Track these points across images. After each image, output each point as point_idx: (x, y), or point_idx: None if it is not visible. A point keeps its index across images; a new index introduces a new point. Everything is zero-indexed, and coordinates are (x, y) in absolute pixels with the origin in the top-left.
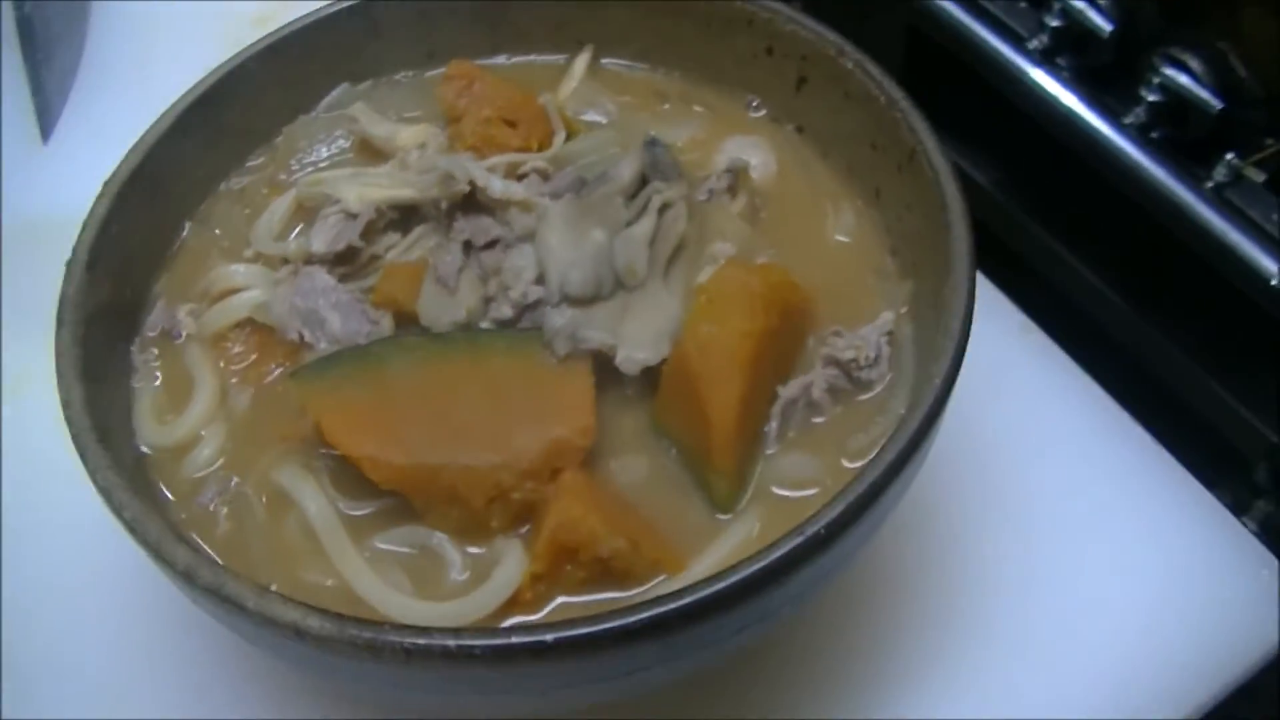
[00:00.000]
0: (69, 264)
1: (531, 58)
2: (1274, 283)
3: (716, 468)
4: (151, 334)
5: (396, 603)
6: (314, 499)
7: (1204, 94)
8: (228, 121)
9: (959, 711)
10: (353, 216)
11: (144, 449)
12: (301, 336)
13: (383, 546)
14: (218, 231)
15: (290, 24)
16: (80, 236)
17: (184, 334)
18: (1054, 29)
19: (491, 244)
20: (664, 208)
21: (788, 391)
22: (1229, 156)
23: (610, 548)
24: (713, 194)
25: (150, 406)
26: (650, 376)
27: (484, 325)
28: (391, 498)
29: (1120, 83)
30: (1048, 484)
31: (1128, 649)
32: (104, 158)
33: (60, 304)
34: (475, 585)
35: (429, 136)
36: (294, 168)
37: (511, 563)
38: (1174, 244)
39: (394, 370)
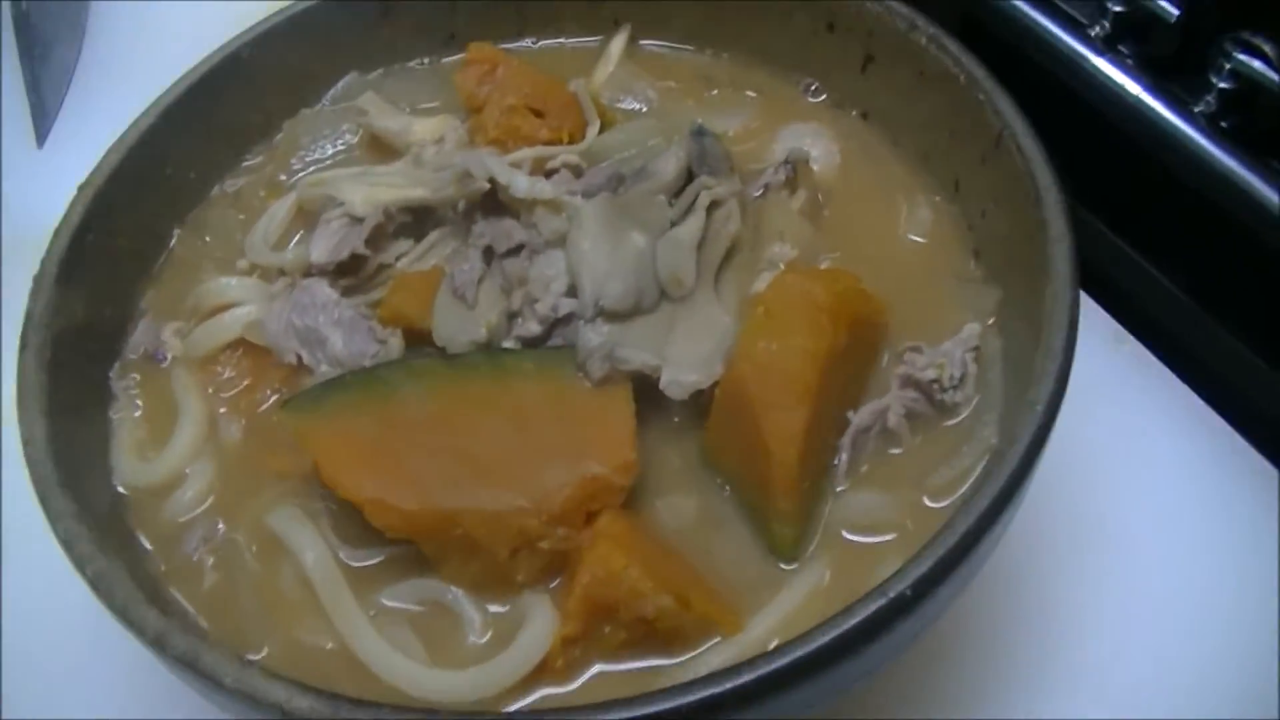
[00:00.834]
0: (36, 278)
1: (562, 40)
2: None
3: (778, 509)
4: (133, 356)
5: (404, 670)
6: (312, 547)
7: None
8: (221, 117)
9: None
10: (358, 221)
11: (121, 489)
12: (299, 358)
13: (390, 603)
14: (209, 239)
15: (291, 6)
16: (50, 247)
17: (169, 356)
18: (1116, 15)
19: (516, 250)
20: (713, 206)
21: (859, 418)
22: None
23: (655, 606)
24: (768, 190)
25: (129, 440)
26: (700, 402)
27: (507, 344)
28: (401, 546)
29: (1187, 70)
30: (1149, 515)
31: (1248, 697)
32: None
33: (25, 324)
34: (497, 649)
35: (447, 129)
36: (295, 167)
37: (539, 623)
38: (1249, 241)
39: (403, 398)
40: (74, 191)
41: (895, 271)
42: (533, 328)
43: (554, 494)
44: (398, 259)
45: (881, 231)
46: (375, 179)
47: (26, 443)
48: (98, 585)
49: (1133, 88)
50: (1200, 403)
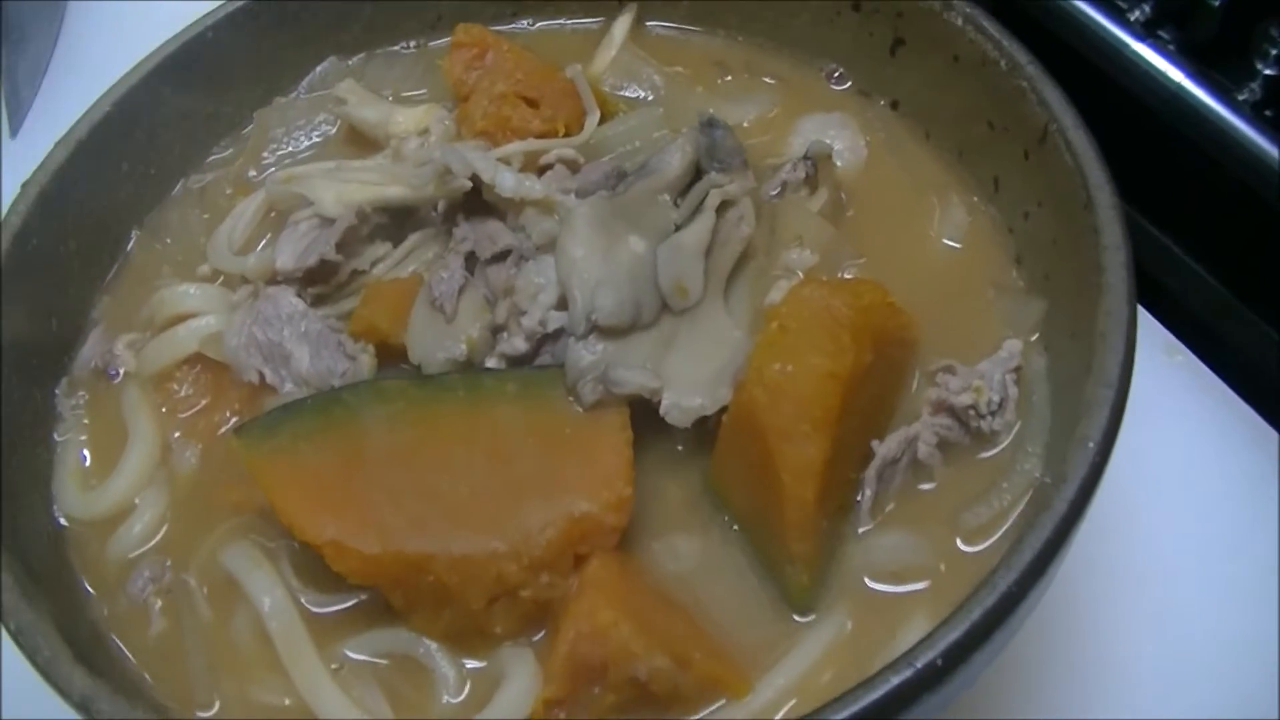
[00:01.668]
0: None
1: (561, 22)
2: None
3: (792, 552)
4: (82, 372)
5: None
6: (269, 591)
7: None
8: (185, 106)
9: None
10: (329, 222)
11: (62, 520)
12: (262, 377)
13: (355, 655)
14: (170, 242)
15: None
16: None
17: (121, 372)
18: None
19: (501, 256)
20: (724, 206)
21: (885, 449)
22: None
23: (648, 666)
24: (786, 188)
25: (74, 466)
26: (705, 429)
27: (490, 363)
28: (368, 591)
29: (1230, 56)
30: (1207, 545)
31: None
32: None
33: None
34: (473, 711)
35: (433, 120)
36: (267, 162)
37: (520, 682)
38: None
39: (368, 426)
40: (17, 190)
41: (926, 281)
42: (518, 344)
43: (536, 536)
44: (373, 265)
45: (911, 235)
46: (349, 175)
47: None
48: (21, 640)
49: (1174, 75)
50: (1260, 419)
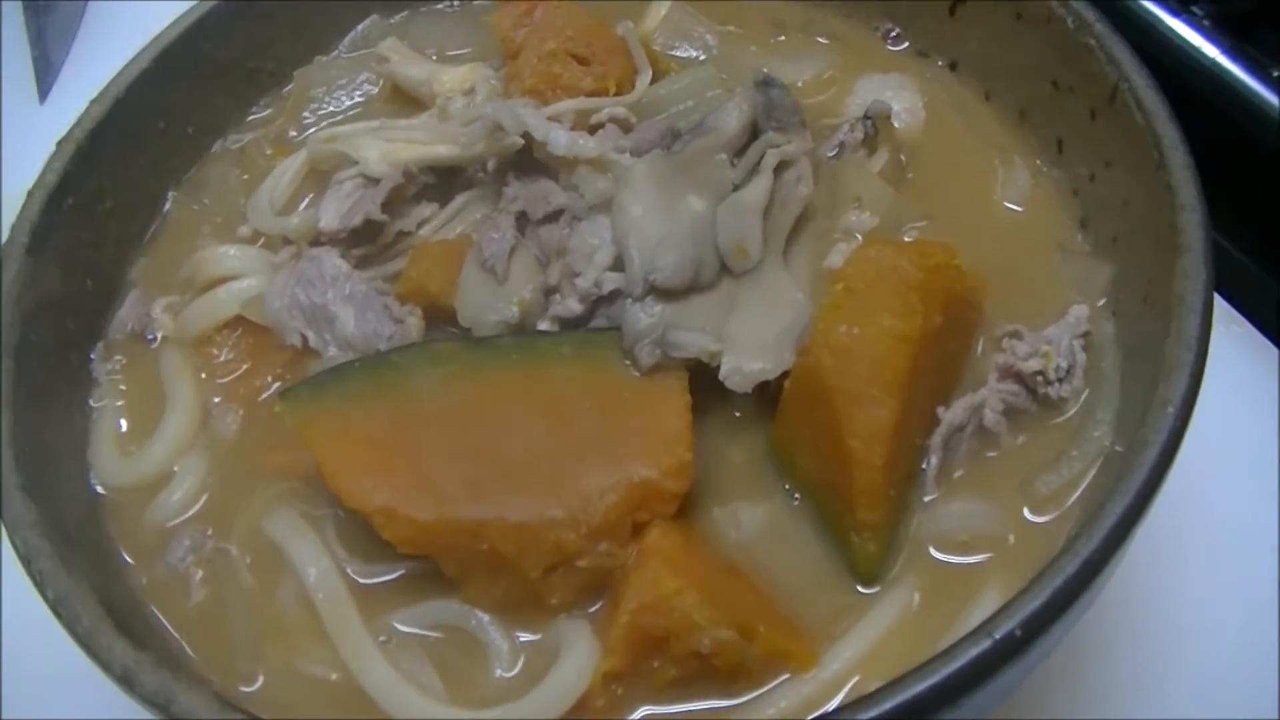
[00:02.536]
0: (5, 246)
1: None
2: None
3: (859, 520)
4: (119, 336)
5: (420, 707)
6: (315, 561)
7: None
8: (224, 63)
9: None
10: (373, 182)
11: (99, 489)
12: (305, 340)
13: (404, 628)
14: (208, 202)
15: None
16: (21, 211)
17: (159, 335)
18: None
19: (554, 216)
20: (781, 167)
21: (952, 415)
22: None
23: (713, 638)
24: (844, 148)
25: (110, 432)
26: (767, 394)
27: (542, 325)
28: (418, 562)
29: (1266, 31)
30: (1268, 517)
31: None
32: None
33: None
34: (528, 685)
35: (478, 79)
36: (307, 121)
37: (578, 655)
38: None
39: (420, 388)
40: (52, 148)
41: (989, 244)
42: (572, 306)
43: (594, 502)
44: (419, 226)
45: (973, 198)
46: (395, 134)
47: None
48: (59, 609)
49: (1209, 50)
50: None
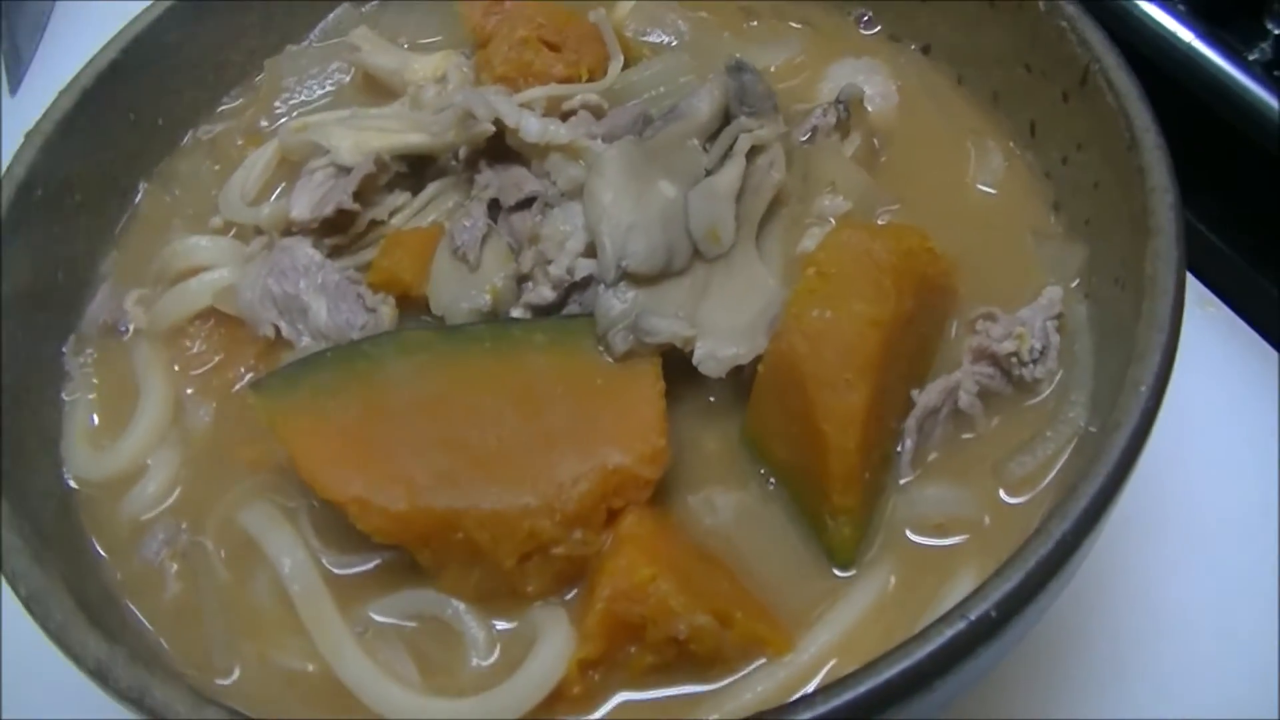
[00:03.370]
0: None
1: None
2: None
3: (834, 504)
4: (91, 329)
5: (397, 698)
6: (290, 552)
7: None
8: (195, 54)
9: None
10: (345, 171)
11: (72, 483)
12: (278, 330)
13: (381, 618)
14: (179, 194)
15: None
16: None
17: (131, 328)
18: None
19: (526, 203)
20: (754, 152)
21: (926, 398)
22: None
23: (689, 624)
24: (817, 133)
25: (83, 426)
26: (741, 379)
27: (515, 313)
28: (394, 552)
29: (1241, 16)
30: (1242, 498)
31: None
32: None
33: None
34: (504, 673)
35: (450, 67)
36: (279, 111)
37: (554, 643)
38: None
39: (393, 378)
40: (20, 140)
41: (963, 227)
42: (545, 293)
43: (568, 490)
44: (392, 215)
45: (946, 181)
46: (366, 123)
47: None
48: (32, 605)
49: (1185, 35)
50: None
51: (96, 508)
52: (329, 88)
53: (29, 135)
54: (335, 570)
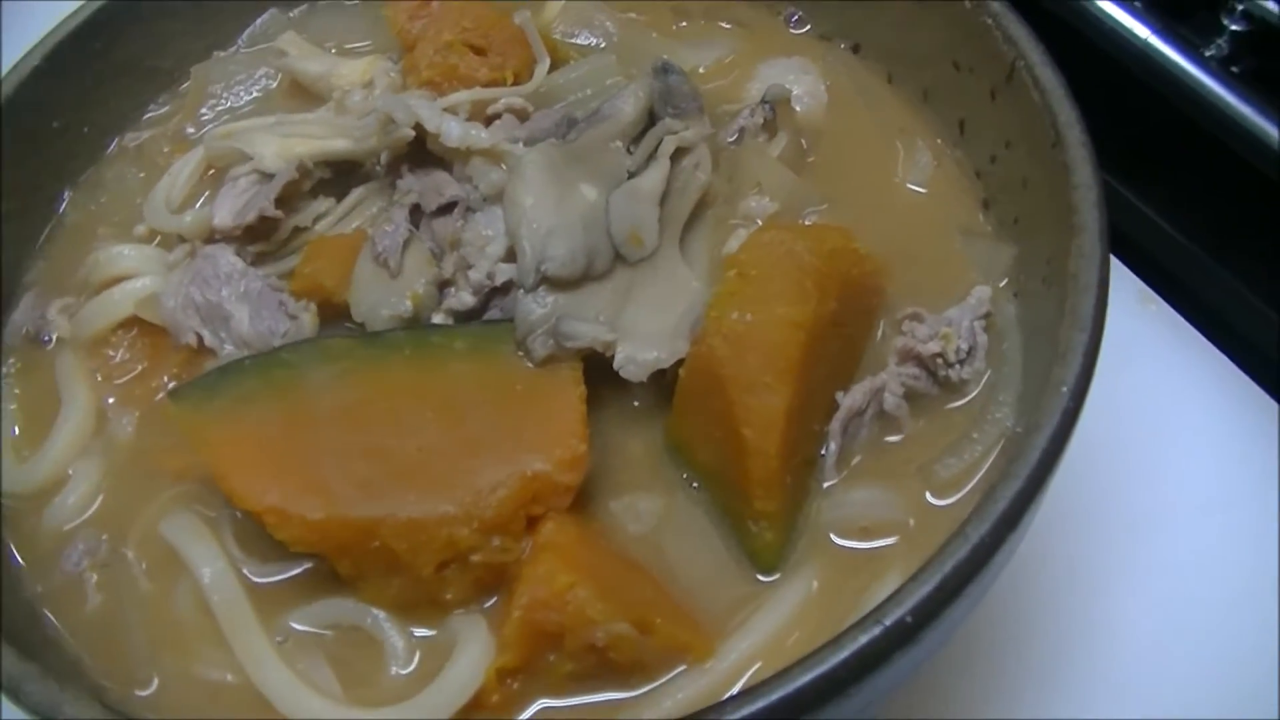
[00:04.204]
0: None
1: None
2: None
3: (756, 509)
4: (14, 340)
5: (316, 707)
6: (210, 562)
7: None
8: (120, 61)
9: None
10: (269, 177)
11: None
12: (200, 339)
13: (301, 627)
14: (105, 202)
15: None
16: None
17: (54, 337)
18: None
19: (448, 208)
20: (679, 153)
21: (851, 400)
22: None
23: (608, 632)
24: (744, 133)
25: (4, 437)
26: (664, 383)
27: (436, 319)
28: (313, 561)
29: (1198, 12)
30: (1187, 496)
31: None
32: None
33: None
34: (423, 682)
35: (377, 72)
36: (205, 118)
37: (472, 651)
38: (1266, 189)
39: (311, 386)
40: None
41: (892, 227)
42: (466, 298)
43: (487, 497)
44: (316, 221)
45: (875, 181)
46: (291, 129)
47: None
48: None
49: (1141, 31)
50: (1233, 366)
51: (19, 520)
52: (256, 94)
53: None
54: (256, 580)
